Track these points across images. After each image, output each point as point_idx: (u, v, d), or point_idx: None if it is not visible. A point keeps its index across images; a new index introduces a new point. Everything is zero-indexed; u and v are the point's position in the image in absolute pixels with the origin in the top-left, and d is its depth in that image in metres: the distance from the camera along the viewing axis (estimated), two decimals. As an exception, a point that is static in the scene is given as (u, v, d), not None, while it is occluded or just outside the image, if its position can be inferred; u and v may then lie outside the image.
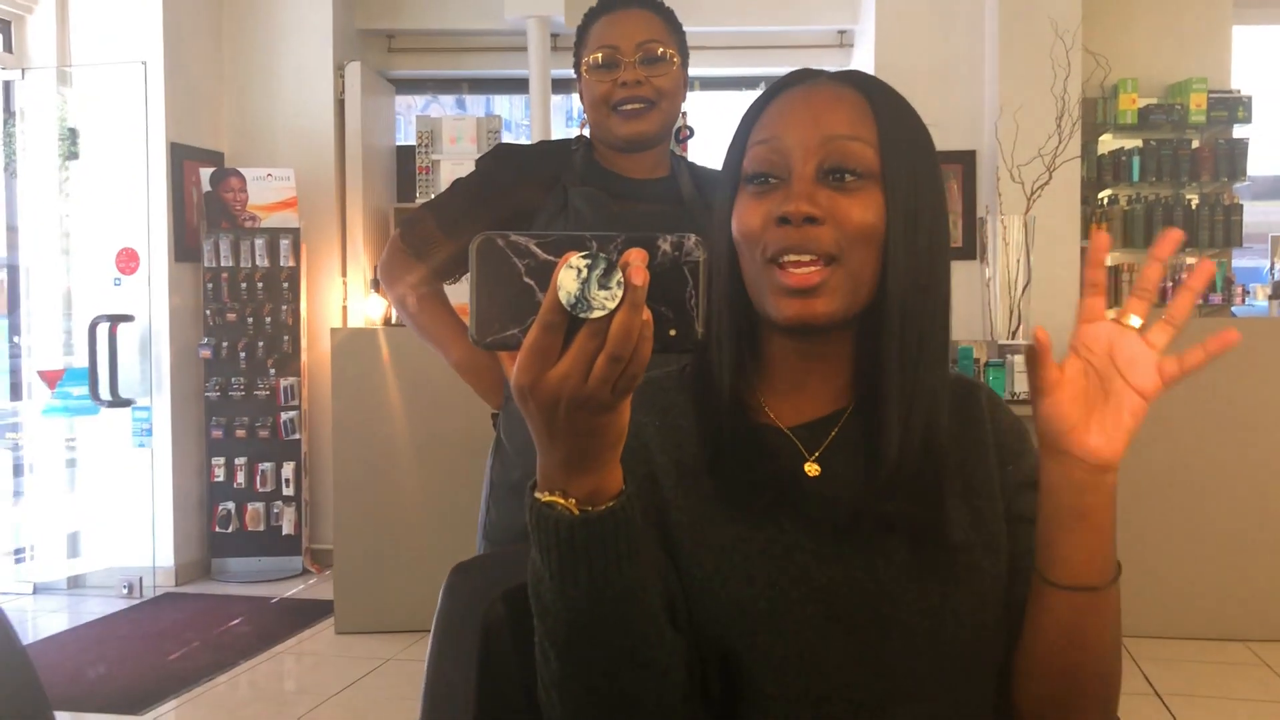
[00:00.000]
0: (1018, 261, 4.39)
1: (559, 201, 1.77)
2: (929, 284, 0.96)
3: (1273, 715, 3.32)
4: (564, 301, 0.66)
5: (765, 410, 1.00)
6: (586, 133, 1.88)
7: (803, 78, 1.00)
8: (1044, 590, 0.91)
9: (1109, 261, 5.44)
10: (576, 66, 1.86)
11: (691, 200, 1.81)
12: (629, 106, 1.77)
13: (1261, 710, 3.37)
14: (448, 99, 6.41)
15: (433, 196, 2.04)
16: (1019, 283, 4.39)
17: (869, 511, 0.93)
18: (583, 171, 1.82)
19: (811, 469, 0.98)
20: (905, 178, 0.94)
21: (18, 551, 5.01)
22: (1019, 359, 4.16)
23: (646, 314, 0.66)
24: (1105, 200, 5.37)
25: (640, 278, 0.65)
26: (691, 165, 1.91)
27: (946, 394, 0.98)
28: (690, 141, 1.95)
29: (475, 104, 6.36)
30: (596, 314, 0.66)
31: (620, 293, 0.66)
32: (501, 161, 1.88)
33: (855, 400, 0.99)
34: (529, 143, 2.00)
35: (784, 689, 0.92)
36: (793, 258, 0.92)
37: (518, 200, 1.80)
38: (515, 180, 1.82)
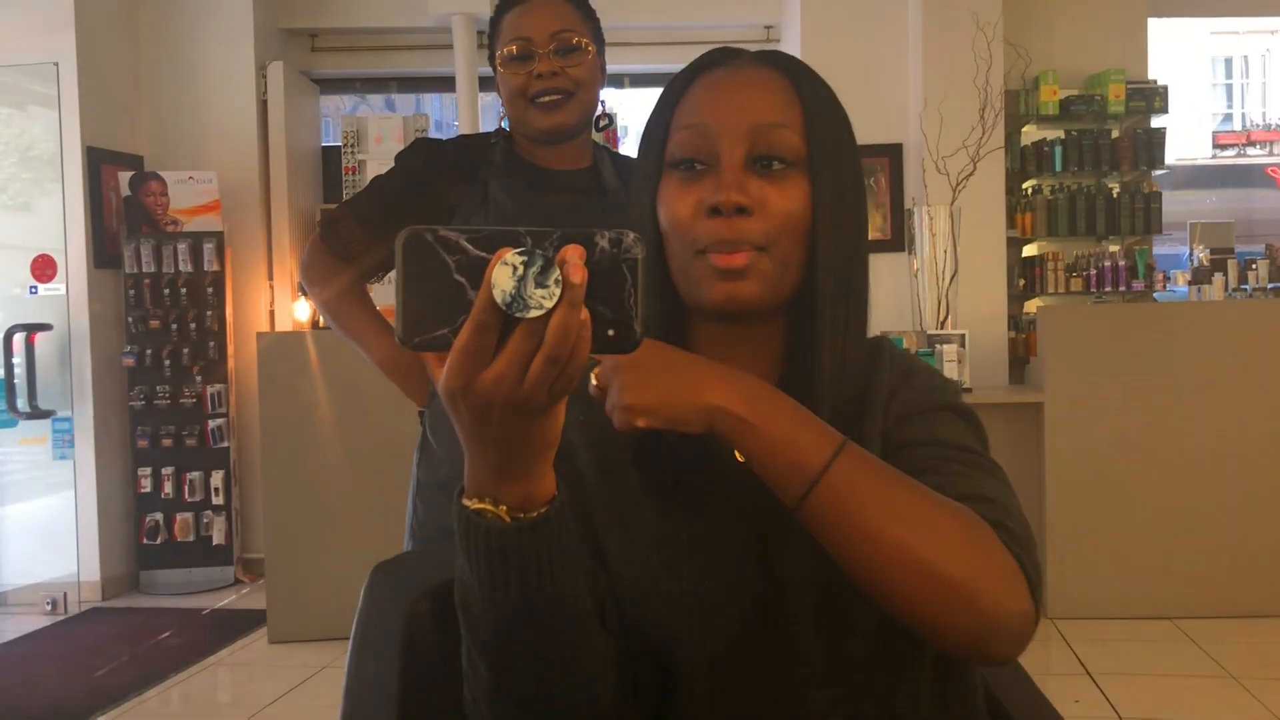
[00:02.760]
0: (945, 252, 4.46)
1: (479, 195, 1.75)
2: (856, 265, 0.96)
3: (1201, 689, 3.40)
4: (499, 300, 0.63)
5: None
6: (506, 125, 1.86)
7: (726, 57, 0.98)
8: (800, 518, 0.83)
9: (1032, 250, 5.54)
10: (491, 60, 1.83)
11: (614, 190, 1.80)
12: (546, 99, 1.75)
13: (1191, 685, 3.45)
14: (377, 99, 6.33)
15: (352, 195, 2.00)
16: (946, 273, 4.45)
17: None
18: (503, 164, 1.80)
19: (740, 455, 0.96)
20: (830, 164, 0.93)
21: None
22: (949, 348, 4.22)
23: (585, 313, 0.64)
24: (1029, 190, 5.47)
25: (579, 275, 0.62)
26: (614, 155, 1.90)
27: (858, 366, 0.98)
28: (613, 131, 1.93)
29: (404, 103, 6.28)
30: (533, 313, 0.63)
31: (558, 291, 0.63)
32: (420, 156, 1.85)
33: (778, 381, 0.97)
34: (447, 137, 1.96)
35: (711, 682, 0.91)
36: (724, 249, 0.91)
37: (437, 195, 1.77)
38: (435, 174, 1.79)
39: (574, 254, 0.63)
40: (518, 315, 0.63)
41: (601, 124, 1.84)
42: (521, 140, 1.83)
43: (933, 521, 0.80)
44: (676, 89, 0.97)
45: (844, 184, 0.95)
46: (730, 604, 0.91)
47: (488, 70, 5.64)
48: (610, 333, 0.65)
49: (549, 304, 0.63)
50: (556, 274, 0.62)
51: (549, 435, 0.70)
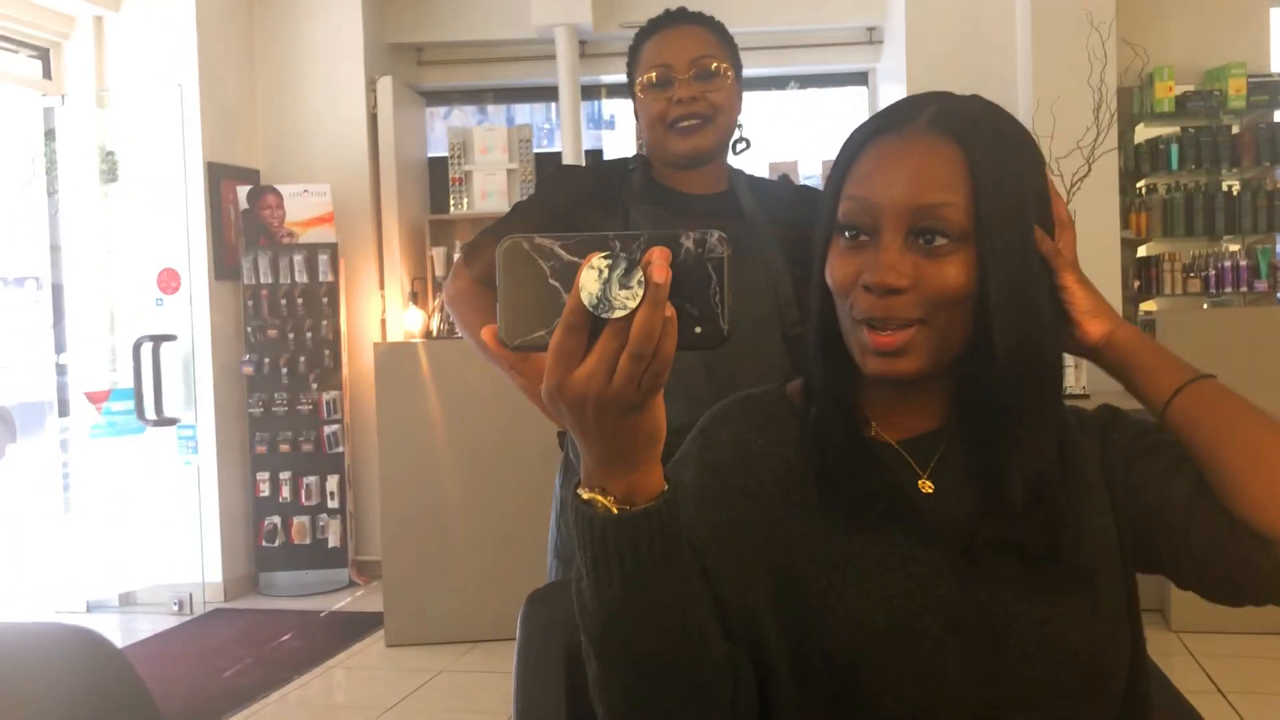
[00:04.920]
0: (1059, 255, 4.36)
1: (619, 221, 1.77)
2: (1039, 338, 0.95)
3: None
4: (586, 302, 0.66)
5: (871, 423, 1.01)
6: (644, 150, 1.88)
7: (899, 122, 0.97)
8: (1166, 420, 0.98)
9: (1147, 251, 5.39)
10: (630, 86, 1.86)
11: (752, 214, 1.80)
12: (685, 123, 1.77)
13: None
14: (469, 109, 6.43)
15: (494, 222, 2.04)
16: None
17: (983, 533, 0.94)
18: (642, 190, 1.82)
19: (925, 485, 0.98)
20: (1002, 239, 0.92)
21: (67, 573, 5.07)
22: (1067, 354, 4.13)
23: (670, 311, 0.66)
24: (1144, 190, 5.32)
25: (661, 275, 0.65)
26: (750, 178, 1.90)
27: (1058, 429, 0.98)
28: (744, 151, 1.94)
29: (496, 113, 6.38)
30: (618, 313, 0.66)
31: (641, 291, 0.66)
32: (561, 183, 1.89)
33: (958, 418, 0.99)
34: (587, 164, 1.99)
35: (901, 702, 0.92)
36: (876, 325, 0.93)
37: (577, 221, 1.80)
38: (575, 201, 1.82)
39: (658, 255, 0.66)
40: (604, 316, 0.66)
41: (739, 148, 1.85)
42: (659, 165, 1.85)
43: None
44: (850, 151, 0.99)
45: (1017, 253, 0.94)
46: (924, 625, 0.92)
47: (589, 79, 5.70)
48: (697, 329, 0.68)
49: (633, 304, 0.66)
50: (640, 275, 0.66)
51: (647, 430, 0.73)
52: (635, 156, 1.90)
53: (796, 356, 1.71)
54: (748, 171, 1.93)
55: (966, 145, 0.94)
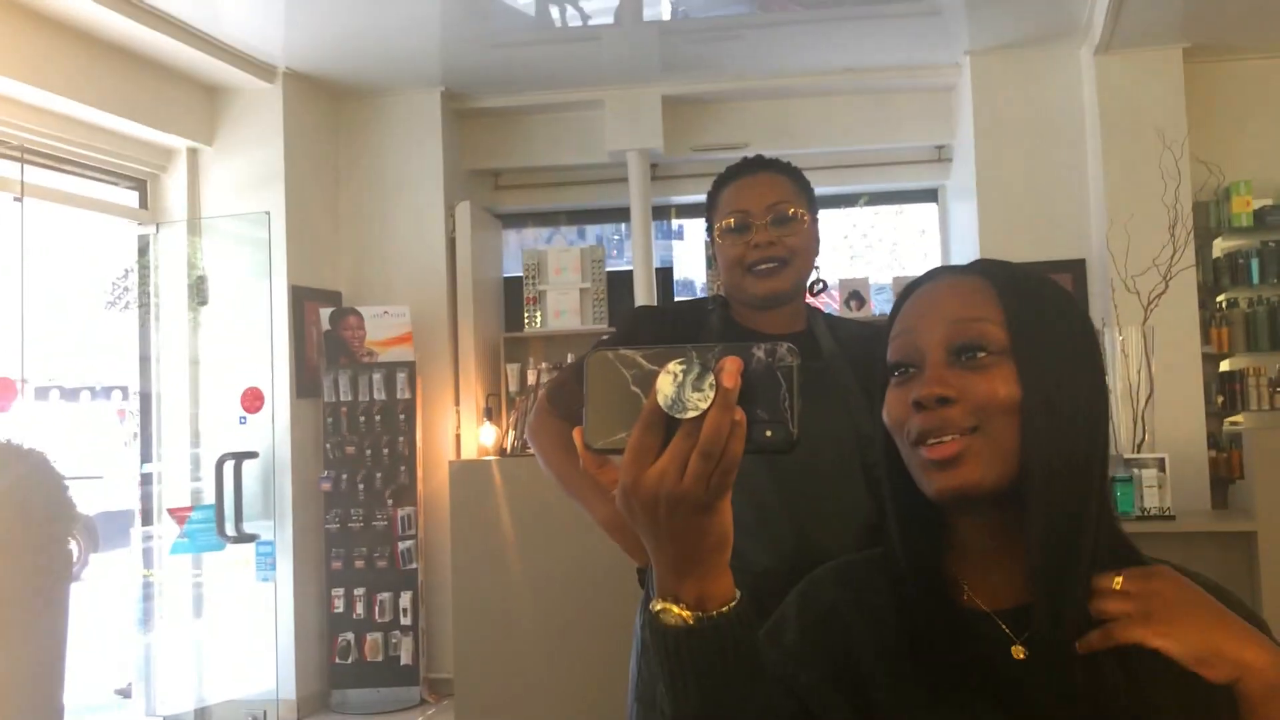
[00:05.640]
0: (1138, 372, 4.30)
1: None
2: (1079, 460, 0.94)
3: None
4: (662, 403, 0.72)
5: (965, 589, 1.01)
6: (722, 291, 1.91)
7: (935, 275, 1.04)
8: None
9: (1230, 365, 5.28)
10: (709, 230, 1.90)
11: (831, 353, 1.82)
12: (763, 266, 1.80)
13: None
14: (541, 229, 6.60)
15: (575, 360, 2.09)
16: (1141, 394, 4.29)
17: (1071, 700, 0.92)
18: (720, 330, 1.85)
19: (1018, 652, 0.97)
20: (1037, 352, 0.95)
21: (129, 689, 5.12)
22: (1148, 473, 4.04)
23: (739, 415, 0.71)
24: (1224, 304, 5.24)
25: (731, 380, 0.71)
26: (828, 317, 1.93)
27: (1110, 547, 0.96)
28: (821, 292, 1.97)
29: (568, 230, 6.54)
30: (690, 414, 0.71)
31: (712, 394, 0.71)
32: (641, 322, 1.92)
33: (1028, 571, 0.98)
34: (667, 304, 2.04)
35: None
36: (932, 440, 0.95)
37: None
38: (654, 340, 1.86)
39: (729, 362, 0.72)
40: (677, 416, 0.72)
41: (816, 289, 1.88)
42: (737, 305, 1.89)
43: None
44: (897, 304, 1.05)
45: (1059, 372, 0.95)
46: None
47: (660, 200, 5.83)
48: (768, 433, 0.73)
49: (704, 406, 0.71)
50: (711, 379, 0.71)
51: (716, 533, 0.76)
52: (714, 298, 1.93)
53: (878, 497, 1.70)
54: (825, 310, 1.96)
55: (991, 277, 1.00)
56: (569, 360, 5.28)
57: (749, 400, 0.72)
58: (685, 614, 0.79)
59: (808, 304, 1.92)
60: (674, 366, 0.72)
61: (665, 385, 0.72)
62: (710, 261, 5.70)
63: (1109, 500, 0.99)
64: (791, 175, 1.87)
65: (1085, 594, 0.92)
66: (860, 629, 1.01)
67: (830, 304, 5.46)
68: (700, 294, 6.03)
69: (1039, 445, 0.93)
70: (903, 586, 1.01)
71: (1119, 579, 0.90)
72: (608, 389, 0.75)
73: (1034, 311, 0.97)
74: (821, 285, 1.89)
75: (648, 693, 1.81)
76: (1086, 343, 1.00)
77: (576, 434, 0.75)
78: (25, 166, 4.47)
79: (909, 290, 1.05)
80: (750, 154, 1.93)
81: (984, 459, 0.93)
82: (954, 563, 1.02)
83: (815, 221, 1.88)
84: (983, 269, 1.02)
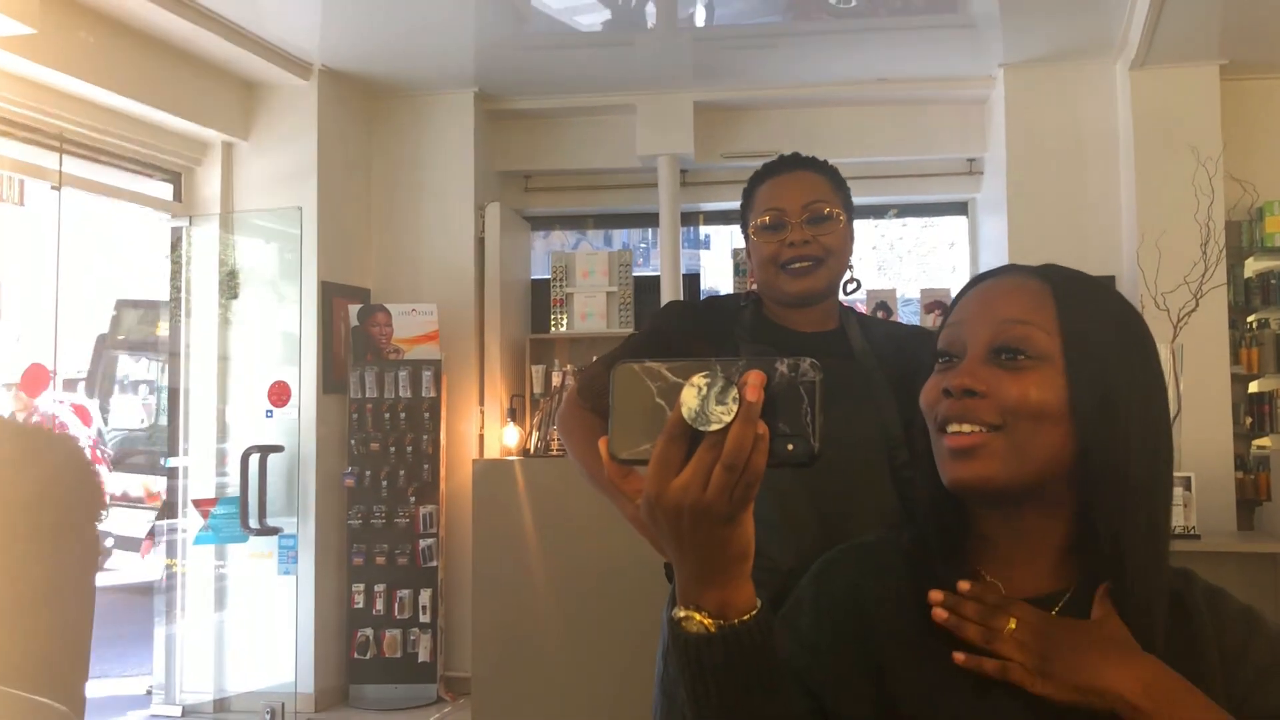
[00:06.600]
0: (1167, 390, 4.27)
1: (730, 356, 1.80)
2: (1142, 471, 0.95)
3: None
4: (686, 416, 0.73)
5: (985, 578, 1.01)
6: (755, 288, 1.92)
7: (1000, 272, 1.05)
8: None
9: (1259, 387, 5.23)
10: (744, 227, 1.91)
11: (862, 353, 1.82)
12: (797, 264, 1.81)
13: None
14: (569, 232, 6.63)
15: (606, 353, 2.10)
16: (1170, 412, 4.25)
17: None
18: (752, 327, 1.86)
19: None
20: (1091, 362, 0.95)
21: (156, 685, 5.15)
22: (1178, 491, 4.01)
23: (762, 428, 0.72)
24: (1255, 324, 5.20)
25: (754, 394, 0.72)
26: (861, 316, 1.92)
27: (1167, 585, 0.97)
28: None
29: (595, 235, 6.57)
30: (714, 426, 0.72)
31: (736, 407, 0.72)
32: (673, 319, 1.93)
33: (1077, 583, 0.99)
34: (700, 301, 2.05)
35: None
36: (954, 428, 0.96)
37: (688, 356, 1.83)
38: (686, 337, 1.86)
39: (753, 376, 0.72)
40: (701, 429, 0.73)
41: (850, 288, 1.88)
42: (770, 303, 1.89)
43: None
44: (959, 296, 1.06)
45: (1116, 382, 0.95)
46: None
47: (689, 206, 5.83)
48: (790, 447, 0.74)
49: (728, 419, 0.72)
50: (735, 393, 0.72)
51: (738, 544, 0.77)
52: (747, 294, 1.94)
53: (907, 499, 1.70)
54: (858, 310, 1.96)
55: (1052, 282, 1.00)
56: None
57: (771, 414, 0.73)
58: (707, 622, 0.80)
59: (841, 303, 1.92)
60: (698, 379, 0.73)
61: (690, 398, 0.73)
62: (738, 269, 5.70)
63: (1170, 507, 1.00)
64: (828, 174, 1.87)
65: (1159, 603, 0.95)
66: (877, 611, 1.01)
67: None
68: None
69: (1093, 450, 0.94)
70: (925, 569, 1.02)
71: (1013, 622, 0.93)
72: (633, 400, 0.76)
73: (1092, 320, 0.98)
74: (855, 284, 1.89)
75: (673, 687, 1.82)
76: (1144, 352, 1.00)
77: (602, 444, 0.76)
78: (64, 156, 4.53)
79: (974, 281, 1.06)
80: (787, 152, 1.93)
81: (1001, 458, 0.94)
82: (975, 551, 1.02)
83: (851, 221, 1.88)
84: (1047, 273, 1.02)
